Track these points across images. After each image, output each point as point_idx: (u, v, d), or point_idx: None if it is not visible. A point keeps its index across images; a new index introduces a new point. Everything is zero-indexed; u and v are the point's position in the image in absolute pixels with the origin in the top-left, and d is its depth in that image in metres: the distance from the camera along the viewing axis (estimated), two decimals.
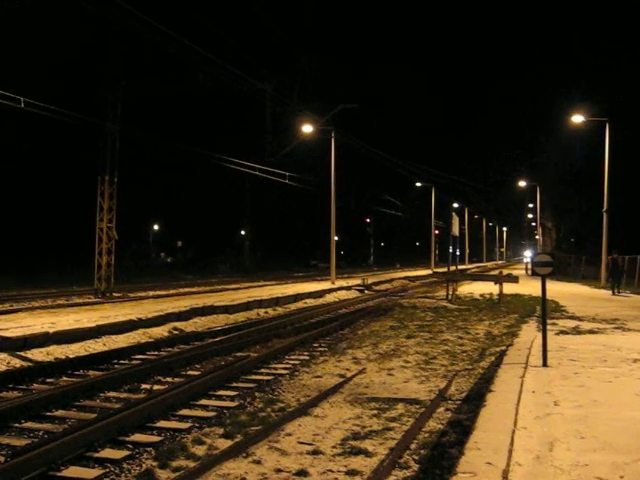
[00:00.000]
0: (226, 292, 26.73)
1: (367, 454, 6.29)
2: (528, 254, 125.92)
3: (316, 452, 6.35)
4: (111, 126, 24.80)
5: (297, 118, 34.39)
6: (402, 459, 6.17)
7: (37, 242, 46.42)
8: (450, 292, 25.71)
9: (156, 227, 74.90)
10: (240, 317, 19.15)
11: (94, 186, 25.39)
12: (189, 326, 16.62)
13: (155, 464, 6.05)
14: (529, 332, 13.87)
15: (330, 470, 5.85)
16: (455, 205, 69.33)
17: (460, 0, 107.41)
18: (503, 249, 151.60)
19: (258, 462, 6.06)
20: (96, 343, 13.20)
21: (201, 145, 34.93)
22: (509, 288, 25.43)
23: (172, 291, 28.75)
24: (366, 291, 32.82)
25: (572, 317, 16.97)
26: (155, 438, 6.90)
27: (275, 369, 11.02)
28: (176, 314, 17.11)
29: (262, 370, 10.90)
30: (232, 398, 8.84)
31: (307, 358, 12.13)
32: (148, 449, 6.54)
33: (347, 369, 10.78)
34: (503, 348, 12.12)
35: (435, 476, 5.62)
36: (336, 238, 37.67)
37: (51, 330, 12.89)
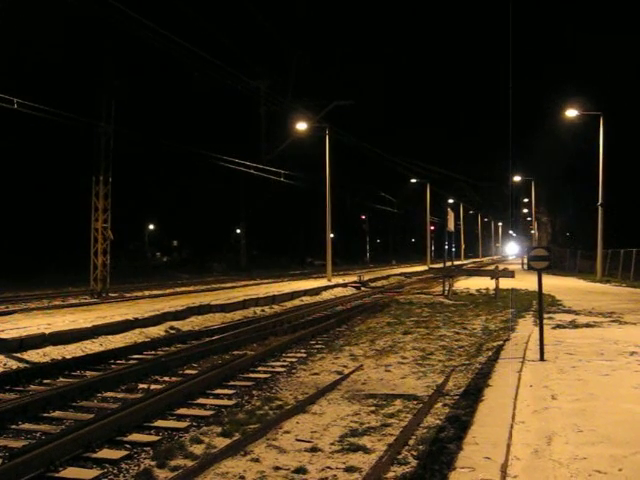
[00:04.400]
0: (222, 291, 26.70)
1: (365, 450, 6.29)
2: (513, 250, 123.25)
3: (314, 449, 6.34)
4: (105, 126, 24.71)
5: (291, 116, 34.34)
6: (401, 455, 6.17)
7: (33, 243, 46.28)
8: (446, 288, 25.74)
9: (151, 227, 74.79)
10: (237, 315, 19.13)
11: (89, 186, 25.31)
12: (186, 325, 16.59)
13: (153, 463, 6.03)
14: (526, 327, 13.88)
15: (329, 467, 5.84)
16: (450, 201, 69.46)
17: None
18: (499, 244, 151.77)
19: (256, 460, 6.05)
20: (93, 343, 13.16)
21: (195, 144, 34.92)
22: (505, 283, 25.46)
23: (168, 290, 28.70)
24: (362, 288, 32.78)
25: (569, 311, 16.99)
26: (153, 438, 6.88)
27: (272, 367, 11.01)
28: (172, 313, 17.09)
29: (259, 368, 10.89)
30: (230, 397, 8.83)
31: (304, 355, 12.11)
32: (146, 449, 6.52)
33: (344, 366, 10.77)
34: (500, 343, 12.13)
35: (434, 472, 5.62)
36: (332, 235, 37.65)
37: (47, 331, 12.86)
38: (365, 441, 6.60)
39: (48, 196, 46.22)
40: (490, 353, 11.54)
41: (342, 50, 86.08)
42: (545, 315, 12.55)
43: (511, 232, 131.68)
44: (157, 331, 15.38)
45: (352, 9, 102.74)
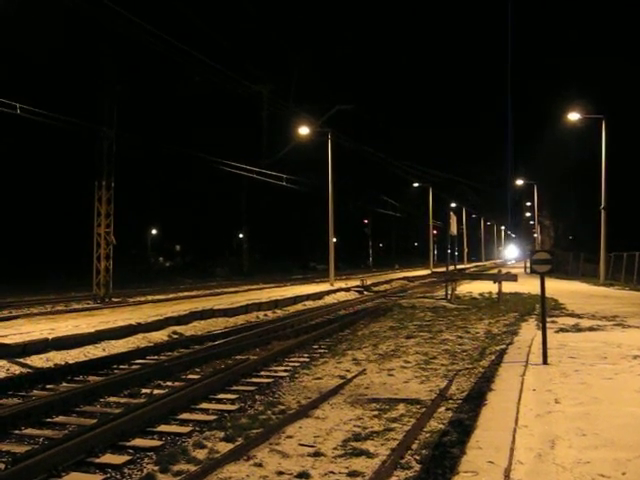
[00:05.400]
0: (225, 295, 26.71)
1: (368, 455, 6.28)
2: (513, 254, 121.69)
3: (317, 454, 6.33)
4: (107, 130, 24.79)
5: (293, 120, 34.41)
6: (404, 459, 6.16)
7: (35, 248, 46.31)
8: (449, 292, 25.71)
9: (154, 231, 74.75)
10: (239, 320, 19.12)
11: (92, 191, 25.36)
12: (188, 330, 16.59)
13: (156, 468, 6.03)
14: (529, 330, 13.86)
15: (332, 472, 5.83)
16: (453, 205, 69.44)
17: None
18: (501, 247, 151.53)
19: (259, 465, 6.04)
20: (95, 348, 13.16)
21: (197, 148, 34.96)
22: (508, 287, 25.41)
23: (171, 295, 28.70)
24: (365, 292, 32.78)
25: (572, 315, 16.96)
26: (156, 442, 6.88)
27: (275, 372, 11.01)
28: (175, 318, 17.08)
29: (262, 373, 10.88)
30: (232, 401, 8.82)
31: (307, 360, 12.11)
32: (149, 454, 6.52)
33: (347, 370, 10.76)
34: (503, 347, 12.11)
35: (437, 476, 5.61)
36: (334, 239, 37.64)
37: (50, 336, 12.86)
38: (368, 445, 6.59)
39: (51, 201, 46.27)
40: (493, 357, 11.52)
41: (342, 50, 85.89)
42: (548, 319, 12.51)
43: (509, 232, 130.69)
44: (160, 336, 15.38)
45: (352, 10, 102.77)
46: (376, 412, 7.97)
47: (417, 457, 6.22)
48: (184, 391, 8.74)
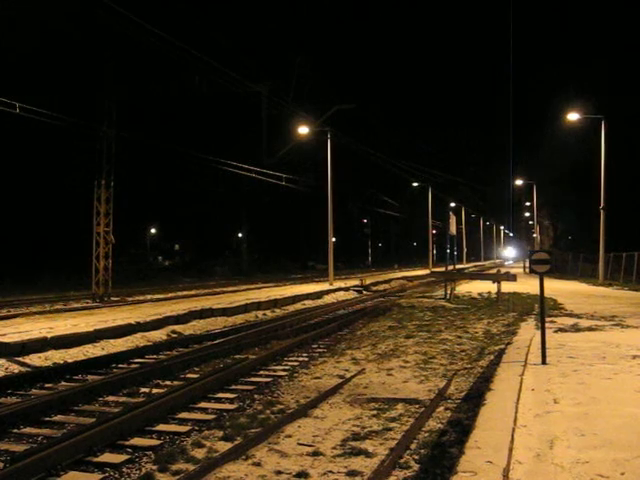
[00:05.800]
0: (224, 295, 26.70)
1: (367, 454, 6.28)
2: (510, 254, 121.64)
3: (316, 453, 6.33)
4: (107, 130, 24.78)
5: (293, 120, 34.40)
6: (402, 459, 6.16)
7: (34, 247, 46.30)
8: (448, 291, 25.72)
9: (153, 231, 74.77)
10: (238, 319, 19.12)
11: (91, 190, 25.36)
12: (187, 329, 16.59)
13: (155, 468, 6.03)
14: (528, 330, 13.85)
15: (330, 471, 5.83)
16: (452, 204, 69.48)
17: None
18: (501, 247, 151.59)
19: (258, 464, 6.04)
20: (94, 347, 13.16)
21: (197, 148, 34.97)
22: (507, 287, 25.42)
23: (170, 294, 28.69)
24: (364, 292, 32.78)
25: (570, 314, 16.97)
26: (154, 442, 6.87)
27: (274, 371, 11.00)
28: (174, 317, 17.08)
29: (261, 372, 10.88)
30: (231, 400, 8.82)
31: (306, 359, 12.11)
32: (148, 453, 6.52)
33: (346, 370, 10.76)
34: (502, 347, 12.11)
35: (436, 476, 5.61)
36: (334, 239, 37.63)
37: (49, 335, 12.86)
38: (367, 445, 6.59)
39: (50, 200, 46.26)
40: (492, 357, 11.52)
41: (342, 50, 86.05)
42: (547, 319, 12.53)
43: (507, 231, 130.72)
44: (159, 335, 15.38)
45: (353, 11, 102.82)
46: (375, 412, 7.97)
47: (416, 457, 6.22)
48: (183, 390, 8.73)
